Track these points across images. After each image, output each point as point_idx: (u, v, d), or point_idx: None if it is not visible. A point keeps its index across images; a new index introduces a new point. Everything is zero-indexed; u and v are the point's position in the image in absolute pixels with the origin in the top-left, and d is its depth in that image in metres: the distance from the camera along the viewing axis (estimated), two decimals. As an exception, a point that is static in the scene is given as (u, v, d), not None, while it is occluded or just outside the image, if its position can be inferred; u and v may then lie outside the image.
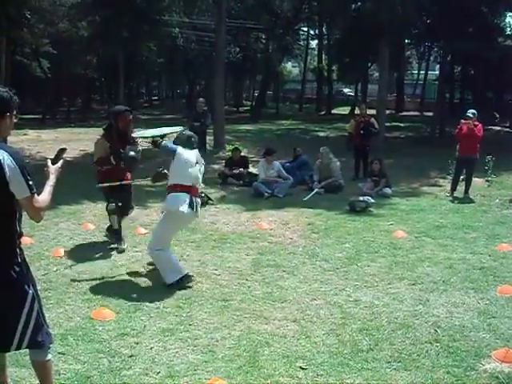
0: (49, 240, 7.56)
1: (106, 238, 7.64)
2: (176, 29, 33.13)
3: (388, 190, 11.42)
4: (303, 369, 4.17)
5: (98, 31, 27.45)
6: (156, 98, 62.34)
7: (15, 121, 3.22)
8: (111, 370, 4.09)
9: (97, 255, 6.93)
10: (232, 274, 6.33)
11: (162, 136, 6.17)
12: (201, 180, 6.13)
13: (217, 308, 5.31)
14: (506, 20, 32.43)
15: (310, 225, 8.68)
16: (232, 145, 17.25)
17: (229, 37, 29.24)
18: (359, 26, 22.70)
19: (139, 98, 53.43)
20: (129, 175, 7.45)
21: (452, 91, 33.20)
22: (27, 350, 3.36)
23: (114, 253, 7.06)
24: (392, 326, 4.94)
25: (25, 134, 21.47)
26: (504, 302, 5.51)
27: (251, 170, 12.88)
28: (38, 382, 3.49)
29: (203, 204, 9.08)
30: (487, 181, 12.62)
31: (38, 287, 3.51)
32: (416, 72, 50.14)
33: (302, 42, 46.60)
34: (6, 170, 2.97)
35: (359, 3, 23.21)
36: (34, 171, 3.14)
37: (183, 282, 5.87)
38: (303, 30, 45.30)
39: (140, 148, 7.06)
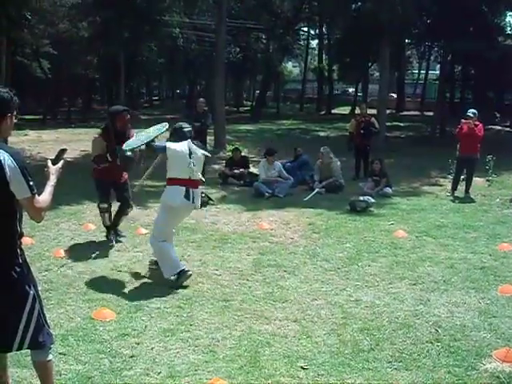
0: (49, 240, 7.56)
1: (106, 239, 7.65)
2: (176, 29, 33.16)
3: (388, 190, 11.41)
4: (304, 369, 4.17)
5: (99, 31, 27.49)
6: (156, 98, 62.40)
7: (15, 121, 3.21)
8: (112, 371, 4.09)
9: (98, 256, 6.93)
10: (233, 274, 6.33)
11: (152, 140, 6.11)
12: (198, 169, 6.04)
13: (218, 308, 5.31)
14: (507, 19, 32.51)
15: (310, 225, 8.68)
16: (232, 145, 17.26)
17: (229, 37, 29.27)
18: (359, 25, 22.70)
19: (140, 98, 53.45)
20: (125, 175, 7.49)
21: (452, 91, 33.20)
22: (28, 350, 3.36)
23: (114, 253, 7.06)
24: (393, 325, 4.94)
25: (25, 135, 21.51)
26: (505, 301, 5.51)
27: (252, 170, 12.89)
28: (39, 382, 3.48)
29: (204, 204, 9.10)
30: (488, 180, 12.61)
31: (39, 288, 3.51)
32: (416, 72, 50.18)
33: (302, 42, 46.65)
34: (7, 170, 2.97)
35: (359, 3, 23.21)
36: (34, 172, 3.13)
37: (181, 278, 5.85)
38: (303, 30, 45.35)
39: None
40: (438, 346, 4.54)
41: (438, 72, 35.28)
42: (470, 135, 10.85)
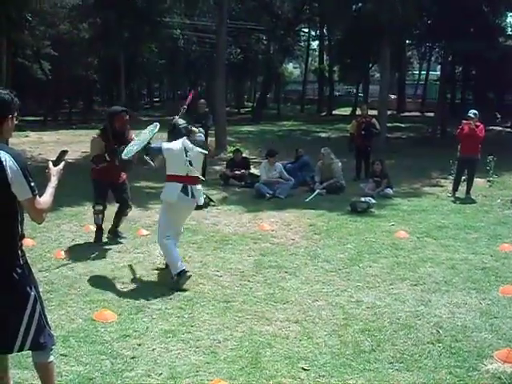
0: (51, 242, 7.57)
1: (107, 240, 7.66)
2: (177, 30, 33.22)
3: (389, 191, 11.41)
4: (305, 370, 4.17)
5: (99, 33, 27.54)
6: (157, 99, 62.42)
7: (16, 123, 3.22)
8: (113, 372, 4.09)
9: (99, 257, 6.94)
10: (234, 276, 6.33)
11: (148, 143, 6.19)
12: (196, 165, 6.10)
13: (219, 309, 5.31)
14: (507, 20, 32.54)
15: (311, 226, 8.68)
16: (233, 146, 17.28)
17: (230, 38, 29.26)
18: (360, 26, 22.73)
19: (140, 100, 53.50)
20: (124, 175, 7.52)
21: (453, 91, 33.20)
22: (29, 351, 3.36)
23: (115, 254, 7.06)
24: (394, 326, 4.94)
25: (26, 136, 21.53)
26: (506, 302, 5.50)
27: (253, 171, 12.89)
28: (40, 383, 3.49)
29: (205, 205, 9.10)
30: (489, 181, 12.60)
31: (40, 289, 3.51)
32: (417, 72, 50.17)
33: (302, 43, 46.65)
34: (8, 171, 2.97)
35: (360, 4, 23.23)
36: (35, 173, 3.13)
37: (181, 279, 5.84)
38: (304, 31, 45.36)
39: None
40: (439, 346, 4.54)
41: (438, 73, 35.26)
42: (471, 136, 10.85)
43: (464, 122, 11.06)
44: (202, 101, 13.14)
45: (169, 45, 36.05)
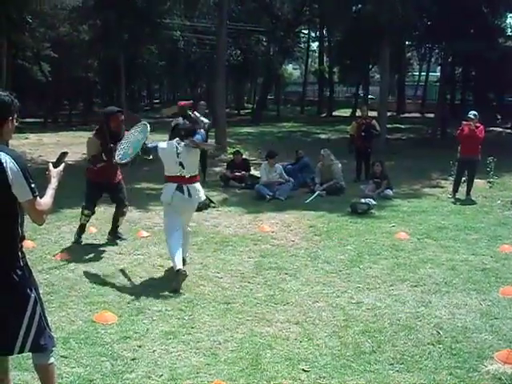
0: (51, 243, 7.57)
1: (107, 241, 7.66)
2: (177, 32, 33.22)
3: (389, 192, 11.41)
4: (306, 371, 4.17)
5: (99, 34, 27.51)
6: (157, 100, 62.40)
7: (16, 124, 3.22)
8: (114, 373, 4.09)
9: (99, 258, 6.94)
10: (234, 277, 6.33)
11: (144, 145, 6.27)
12: (189, 165, 6.15)
13: (219, 311, 5.31)
14: (507, 21, 32.54)
15: (311, 227, 8.68)
16: (233, 147, 17.27)
17: (230, 39, 29.33)
18: (360, 27, 22.73)
19: (140, 101, 53.50)
20: (119, 175, 7.53)
21: (453, 92, 33.19)
22: (30, 353, 3.36)
23: (116, 256, 7.06)
24: (394, 327, 4.94)
25: (26, 138, 21.55)
26: (506, 303, 5.50)
27: (253, 172, 12.89)
28: (40, 385, 3.49)
29: (205, 207, 9.12)
30: (489, 182, 12.60)
31: (41, 290, 3.51)
32: (417, 73, 50.20)
33: (302, 45, 46.70)
34: (9, 172, 2.98)
35: (360, 5, 23.24)
36: (35, 175, 3.14)
37: (177, 275, 5.83)
38: (304, 33, 45.41)
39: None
40: (439, 347, 4.53)
41: (438, 74, 35.28)
42: (471, 137, 10.85)
43: (464, 123, 11.06)
44: (202, 102, 13.14)
45: (169, 46, 36.07)
